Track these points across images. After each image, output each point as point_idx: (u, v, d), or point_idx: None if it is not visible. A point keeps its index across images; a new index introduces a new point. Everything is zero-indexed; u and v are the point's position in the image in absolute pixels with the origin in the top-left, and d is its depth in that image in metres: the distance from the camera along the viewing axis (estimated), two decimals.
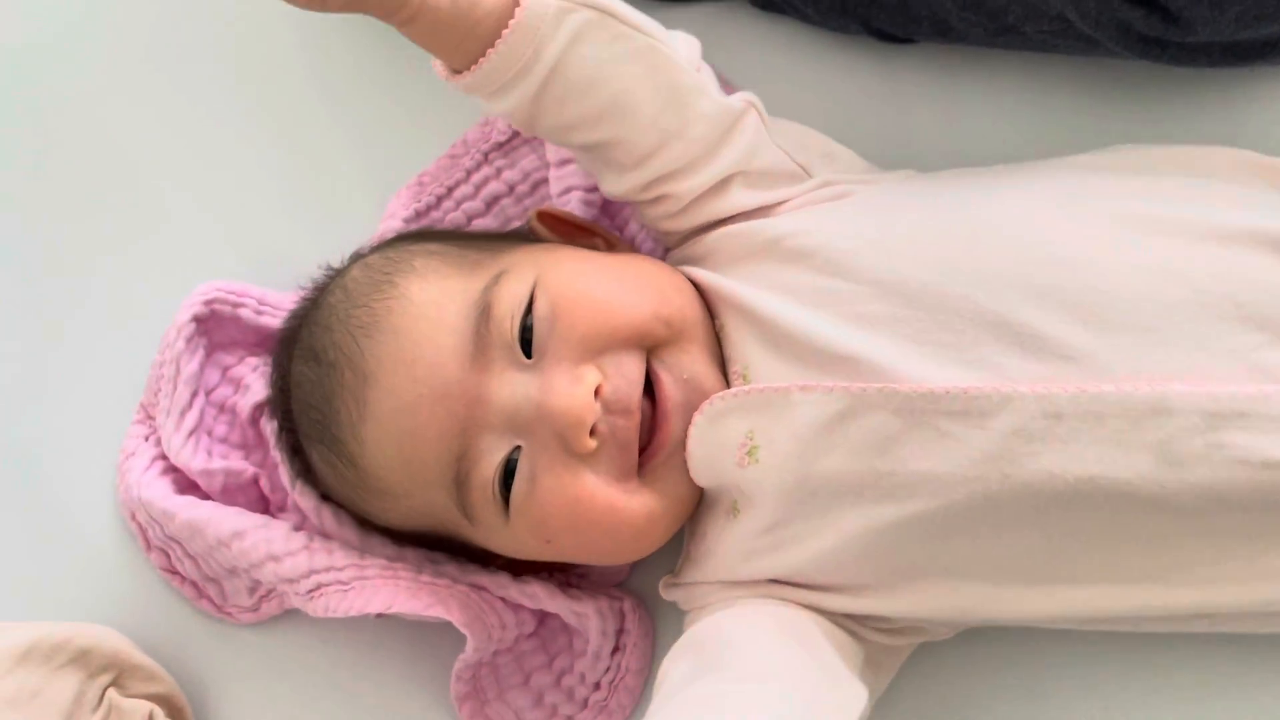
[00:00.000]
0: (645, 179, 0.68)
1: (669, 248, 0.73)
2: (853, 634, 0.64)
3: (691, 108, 0.67)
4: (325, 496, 0.72)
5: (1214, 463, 0.55)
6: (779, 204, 0.68)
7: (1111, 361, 0.56)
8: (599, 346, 0.63)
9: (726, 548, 0.65)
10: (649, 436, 0.64)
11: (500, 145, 0.81)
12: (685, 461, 0.64)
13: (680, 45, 0.68)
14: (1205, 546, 0.57)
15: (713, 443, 0.63)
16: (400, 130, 0.84)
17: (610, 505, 0.63)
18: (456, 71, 0.66)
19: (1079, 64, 0.71)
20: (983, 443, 0.57)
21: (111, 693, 0.73)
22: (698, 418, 0.63)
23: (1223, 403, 0.55)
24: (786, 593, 0.63)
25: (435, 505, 0.66)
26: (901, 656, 0.68)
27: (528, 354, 0.64)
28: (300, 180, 0.85)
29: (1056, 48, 0.69)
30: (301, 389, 0.68)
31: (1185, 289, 0.57)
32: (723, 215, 0.68)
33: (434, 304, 0.65)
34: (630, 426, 0.62)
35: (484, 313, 0.64)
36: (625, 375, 0.63)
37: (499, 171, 0.81)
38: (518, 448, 0.64)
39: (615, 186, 0.70)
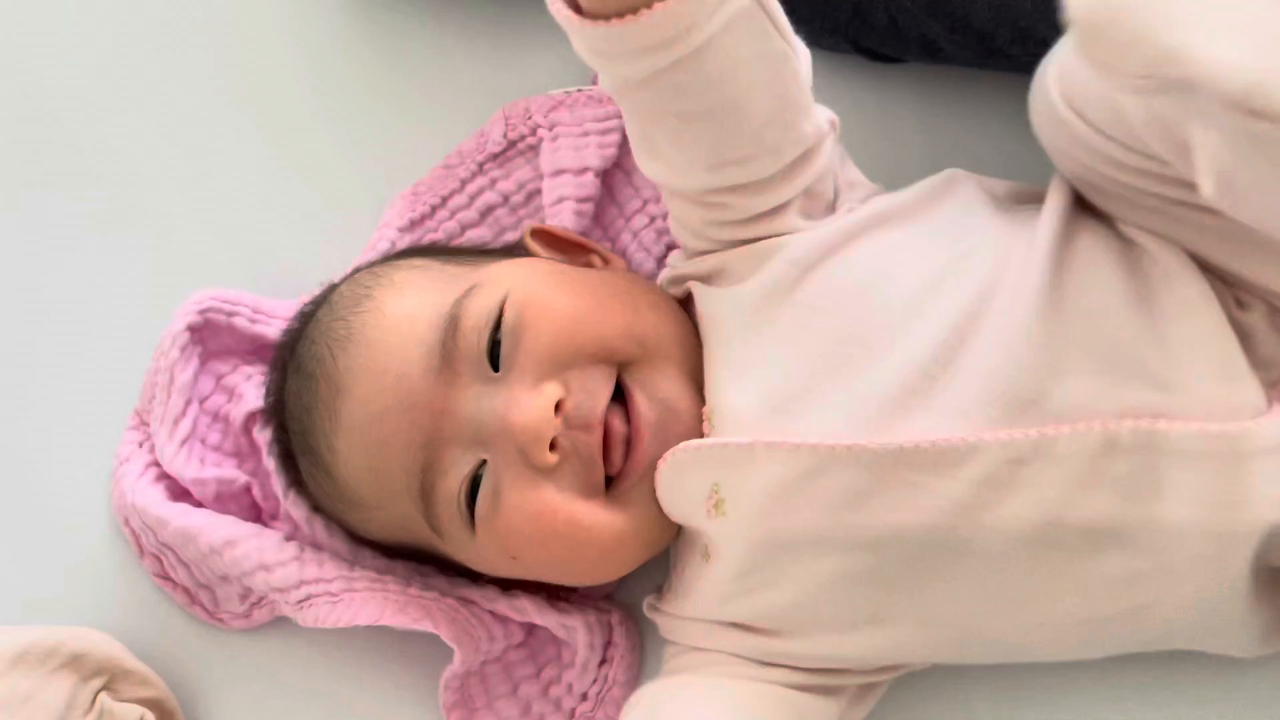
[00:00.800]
0: (718, 184, 0.64)
1: (684, 254, 0.70)
2: (825, 691, 0.65)
3: (795, 128, 0.63)
4: (316, 507, 0.73)
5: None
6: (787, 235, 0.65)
7: (1064, 404, 0.57)
8: (565, 361, 0.63)
9: (701, 590, 0.65)
10: (624, 456, 0.63)
11: (495, 156, 0.81)
12: (648, 486, 0.63)
13: (803, 58, 0.63)
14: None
15: (680, 492, 0.63)
16: (396, 140, 0.85)
17: (572, 520, 0.63)
18: (591, 17, 0.58)
19: None
20: (952, 492, 0.57)
21: (104, 697, 0.73)
22: (662, 466, 0.63)
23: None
24: (763, 653, 0.63)
25: (406, 518, 0.66)
26: (881, 689, 0.68)
27: (495, 368, 0.63)
28: (296, 189, 0.85)
29: None
30: (292, 401, 0.69)
31: None
32: (769, 234, 0.65)
33: (406, 317, 0.66)
34: (592, 442, 0.62)
35: (452, 325, 0.64)
36: (589, 391, 0.62)
37: (493, 182, 0.82)
38: (483, 462, 0.64)
39: (677, 180, 0.65)
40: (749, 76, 0.61)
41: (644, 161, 0.67)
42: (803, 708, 0.63)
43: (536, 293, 0.65)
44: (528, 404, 0.62)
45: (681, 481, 0.63)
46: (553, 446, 0.62)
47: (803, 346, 0.61)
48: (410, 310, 0.65)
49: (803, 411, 0.60)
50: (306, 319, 0.71)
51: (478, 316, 0.64)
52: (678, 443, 0.62)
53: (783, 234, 0.65)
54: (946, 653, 0.64)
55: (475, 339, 0.63)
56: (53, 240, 0.86)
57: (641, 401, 0.63)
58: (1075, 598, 0.58)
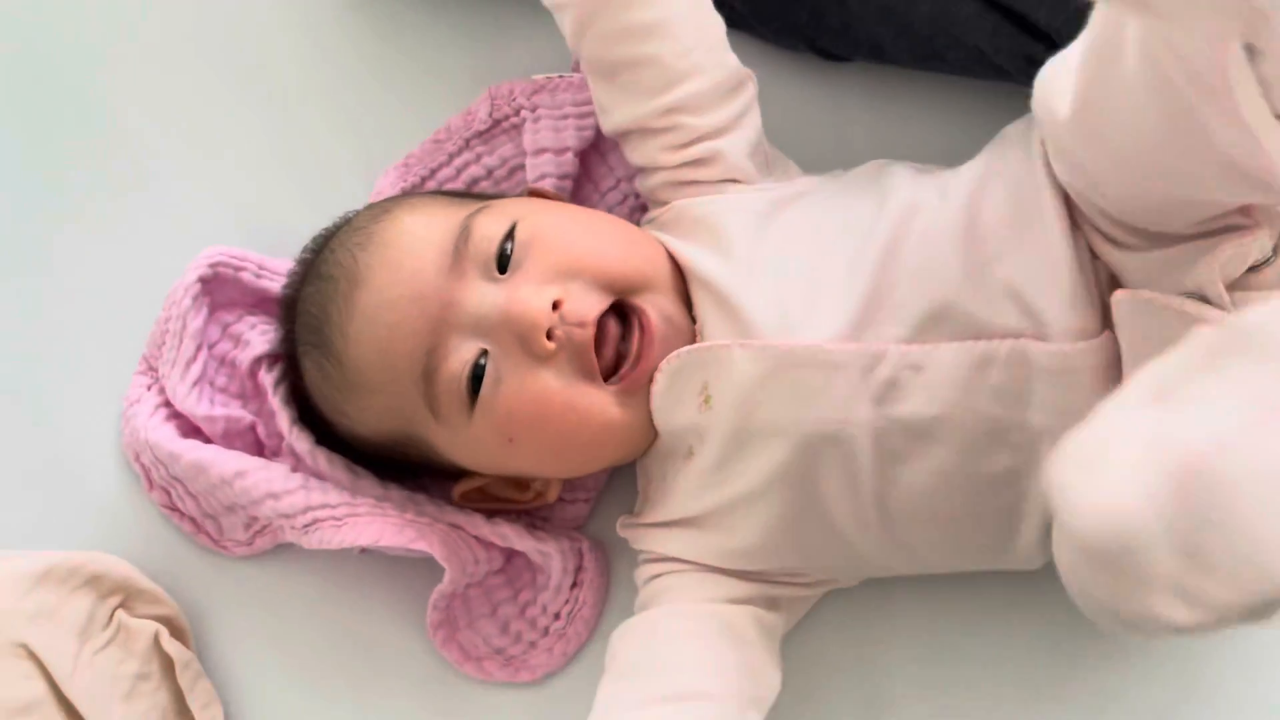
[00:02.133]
0: (665, 105, 0.75)
1: (647, 207, 0.81)
2: (773, 603, 0.74)
3: (719, 54, 0.76)
4: (318, 441, 0.81)
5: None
6: (740, 183, 0.77)
7: (959, 324, 0.67)
8: (567, 274, 0.71)
9: (682, 484, 0.74)
10: (615, 367, 0.71)
11: (481, 133, 0.89)
12: (649, 395, 0.72)
13: (715, 15, 0.78)
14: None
15: (676, 391, 0.72)
16: (389, 116, 0.92)
17: (569, 403, 0.70)
18: None
19: (997, 89, 0.82)
20: (870, 390, 0.67)
21: (120, 613, 0.80)
22: (665, 367, 0.71)
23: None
24: (718, 556, 0.73)
25: (405, 403, 0.73)
26: (812, 602, 0.78)
27: (501, 270, 0.72)
28: (297, 160, 0.92)
29: (975, 74, 0.79)
30: (305, 304, 0.77)
31: None
32: (716, 159, 0.76)
33: (422, 224, 0.74)
34: (584, 336, 0.70)
35: (465, 233, 0.73)
36: (585, 299, 0.70)
37: (479, 157, 0.89)
38: (485, 351, 0.71)
39: (631, 110, 0.76)
40: (673, 3, 0.75)
41: (608, 117, 0.79)
42: (763, 621, 0.73)
43: (553, 218, 0.74)
44: (527, 296, 0.70)
45: (679, 380, 0.71)
46: (550, 338, 0.69)
47: (765, 278, 0.71)
48: (426, 220, 0.74)
49: (767, 324, 0.70)
50: (322, 240, 0.79)
51: (489, 228, 0.72)
52: (674, 343, 0.71)
53: (731, 179, 0.76)
54: (854, 561, 0.74)
55: (486, 245, 0.72)
56: (65, 205, 0.93)
57: (652, 315, 0.71)
58: (962, 494, 0.68)
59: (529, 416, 0.71)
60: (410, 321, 0.71)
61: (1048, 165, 0.68)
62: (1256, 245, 0.61)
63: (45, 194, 0.93)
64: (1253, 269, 0.61)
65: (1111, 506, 0.45)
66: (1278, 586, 0.45)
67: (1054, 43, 0.72)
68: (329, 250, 0.76)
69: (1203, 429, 0.46)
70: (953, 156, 0.77)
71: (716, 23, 0.78)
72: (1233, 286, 0.61)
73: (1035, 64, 0.65)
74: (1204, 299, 0.61)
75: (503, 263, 0.72)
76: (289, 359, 0.80)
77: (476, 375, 0.71)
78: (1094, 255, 0.67)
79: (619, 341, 0.72)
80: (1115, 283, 0.67)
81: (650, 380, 0.72)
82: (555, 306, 0.70)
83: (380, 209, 0.77)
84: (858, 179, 0.77)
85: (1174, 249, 0.63)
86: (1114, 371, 0.66)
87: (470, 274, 0.72)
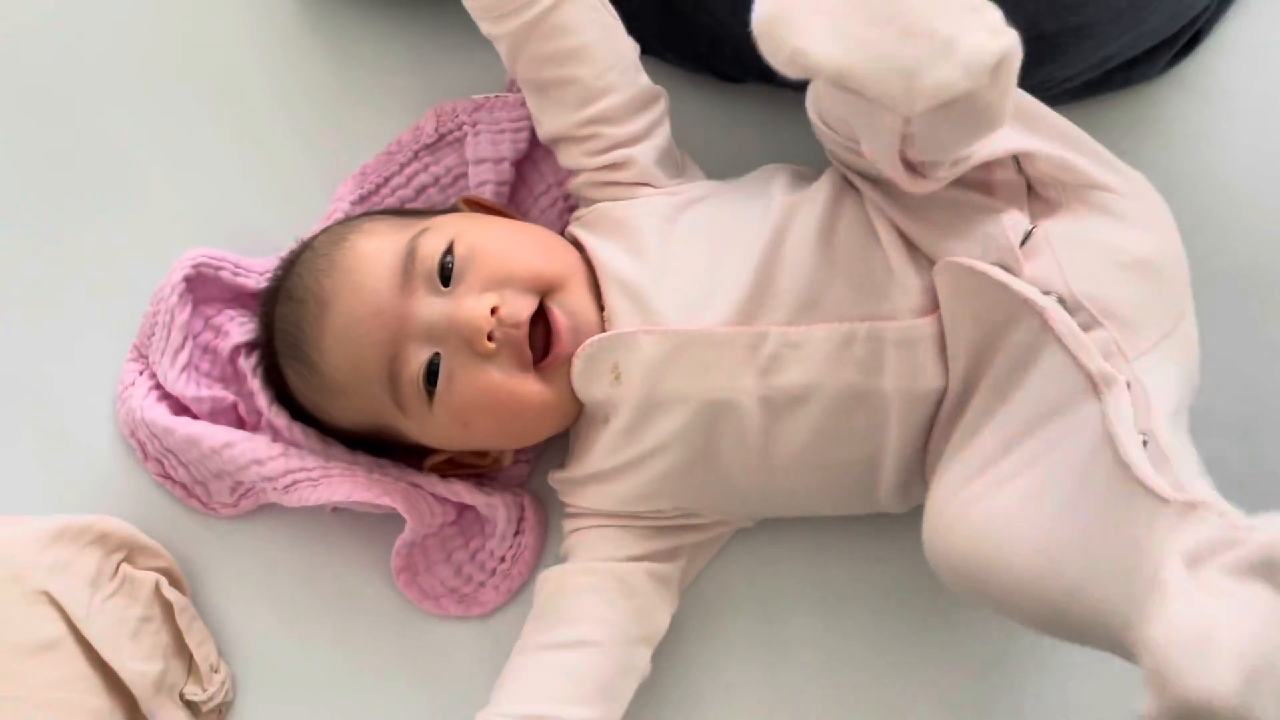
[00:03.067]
0: (586, 117, 0.88)
1: (575, 208, 0.94)
2: (671, 554, 0.88)
3: (632, 75, 0.90)
4: (294, 416, 0.93)
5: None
6: (651, 187, 0.90)
7: (827, 309, 0.81)
8: (500, 283, 0.84)
9: (600, 445, 0.87)
10: (546, 350, 0.84)
11: (428, 146, 1.00)
12: (570, 374, 0.85)
13: (628, 39, 0.91)
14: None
15: (592, 371, 0.85)
16: (348, 131, 1.03)
17: (511, 390, 0.84)
18: None
19: None
20: (756, 364, 0.81)
21: (125, 566, 0.92)
22: (580, 352, 0.84)
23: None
24: (630, 501, 0.87)
25: (376, 401, 0.86)
26: (717, 545, 0.92)
27: (445, 284, 0.84)
28: (267, 170, 1.03)
29: None
30: (280, 322, 0.89)
31: None
32: (630, 163, 0.89)
33: (375, 249, 0.86)
34: (519, 335, 0.82)
35: (411, 253, 0.85)
36: (517, 304, 0.83)
37: (426, 166, 1.00)
38: (437, 354, 0.83)
39: (558, 122, 0.90)
40: (590, 28, 0.88)
41: (541, 127, 0.92)
42: (657, 574, 0.87)
43: (485, 233, 0.86)
44: (471, 305, 0.83)
45: (594, 364, 0.84)
46: (491, 339, 0.82)
47: (670, 273, 0.85)
48: (377, 245, 0.86)
49: (669, 311, 0.83)
50: (288, 265, 0.91)
51: (432, 247, 0.84)
52: (587, 339, 0.84)
53: (643, 183, 0.89)
54: (747, 504, 0.88)
55: (429, 263, 0.84)
56: (57, 213, 1.03)
57: (558, 314, 0.84)
58: (831, 446, 0.82)
59: (479, 405, 0.84)
60: (373, 335, 0.84)
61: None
62: (1016, 222, 0.76)
63: (44, 202, 1.04)
64: (1025, 239, 0.77)
65: (1224, 698, 0.54)
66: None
67: None
68: (296, 274, 0.88)
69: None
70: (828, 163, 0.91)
71: (630, 49, 0.91)
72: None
73: None
74: (1003, 266, 0.77)
75: (445, 276, 0.84)
76: (268, 360, 0.92)
77: (432, 375, 0.84)
78: (914, 247, 0.82)
79: (546, 333, 0.85)
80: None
81: (569, 364, 0.85)
82: (493, 311, 0.82)
83: (338, 235, 0.89)
84: (749, 184, 0.90)
85: (958, 221, 0.78)
86: (932, 344, 0.80)
87: (419, 289, 0.84)
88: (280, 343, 0.89)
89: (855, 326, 0.81)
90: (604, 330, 0.85)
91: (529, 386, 0.84)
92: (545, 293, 0.85)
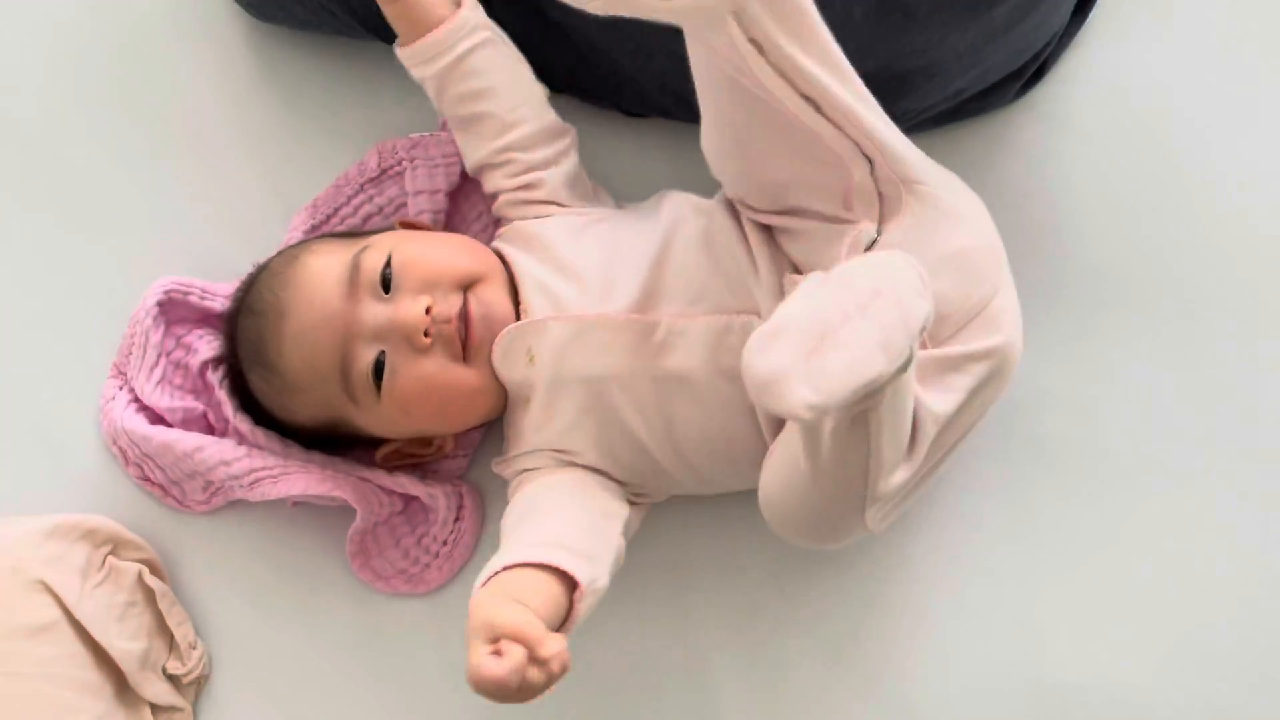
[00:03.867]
0: (501, 146, 1.03)
1: (499, 224, 1.07)
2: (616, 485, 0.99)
3: (540, 110, 1.04)
4: (257, 421, 1.05)
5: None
6: (561, 206, 1.04)
7: (709, 303, 0.95)
8: (431, 285, 0.96)
9: (524, 427, 0.99)
10: (467, 338, 0.96)
11: (372, 179, 1.12)
12: (487, 351, 0.96)
13: (532, 80, 1.05)
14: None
15: (511, 355, 0.97)
16: (301, 167, 1.14)
17: (446, 379, 0.96)
18: (404, 45, 1.02)
19: None
20: (646, 347, 0.94)
21: (111, 558, 1.04)
22: (498, 340, 0.97)
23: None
24: (564, 462, 0.98)
25: (331, 395, 0.98)
26: (643, 512, 1.03)
27: (386, 291, 0.96)
28: (229, 202, 1.14)
29: None
30: (243, 334, 1.01)
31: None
32: (545, 198, 1.03)
33: (324, 265, 0.98)
34: (450, 329, 0.95)
35: (355, 267, 0.97)
36: (448, 302, 0.96)
37: (371, 198, 1.12)
38: (382, 352, 0.96)
39: (479, 151, 1.04)
40: (499, 71, 1.03)
41: (467, 159, 1.06)
42: (608, 483, 0.98)
43: (415, 246, 0.99)
44: (408, 307, 0.95)
45: (511, 348, 0.97)
46: (426, 335, 0.95)
47: (577, 270, 0.98)
48: (326, 261, 0.98)
49: (576, 303, 0.96)
50: (249, 284, 1.03)
51: (373, 260, 0.97)
52: (502, 328, 0.97)
53: (554, 202, 1.03)
54: (649, 474, 0.99)
55: (372, 274, 0.96)
56: (43, 247, 1.15)
57: (473, 305, 0.96)
58: (718, 421, 0.95)
59: (419, 393, 0.97)
60: (326, 338, 0.96)
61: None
62: (865, 232, 0.90)
63: (30, 238, 1.15)
64: (869, 248, 0.90)
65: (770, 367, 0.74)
66: (861, 381, 0.74)
67: None
68: (256, 291, 1.01)
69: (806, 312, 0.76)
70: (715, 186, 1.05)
71: (538, 88, 1.05)
72: None
73: None
74: None
75: (385, 284, 0.97)
76: (233, 372, 1.04)
77: (378, 371, 0.96)
78: (779, 248, 0.96)
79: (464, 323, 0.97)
80: (797, 269, 0.95)
81: (490, 351, 0.97)
82: (427, 311, 0.95)
83: (291, 255, 1.01)
84: (647, 205, 1.04)
85: (819, 238, 0.92)
86: None
87: (364, 297, 0.96)
88: (244, 352, 1.01)
89: (731, 319, 0.94)
90: (520, 318, 0.98)
91: (461, 374, 0.97)
92: (468, 287, 0.97)
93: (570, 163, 1.06)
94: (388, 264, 0.97)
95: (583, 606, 0.87)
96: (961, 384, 0.90)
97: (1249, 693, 1.02)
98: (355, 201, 1.13)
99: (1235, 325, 1.08)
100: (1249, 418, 1.06)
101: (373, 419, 1.00)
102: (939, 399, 0.88)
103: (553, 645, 0.76)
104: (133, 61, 1.18)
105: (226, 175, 1.16)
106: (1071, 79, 1.12)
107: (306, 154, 1.15)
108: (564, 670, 0.76)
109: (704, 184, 1.03)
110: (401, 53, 1.04)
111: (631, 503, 1.01)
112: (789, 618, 1.06)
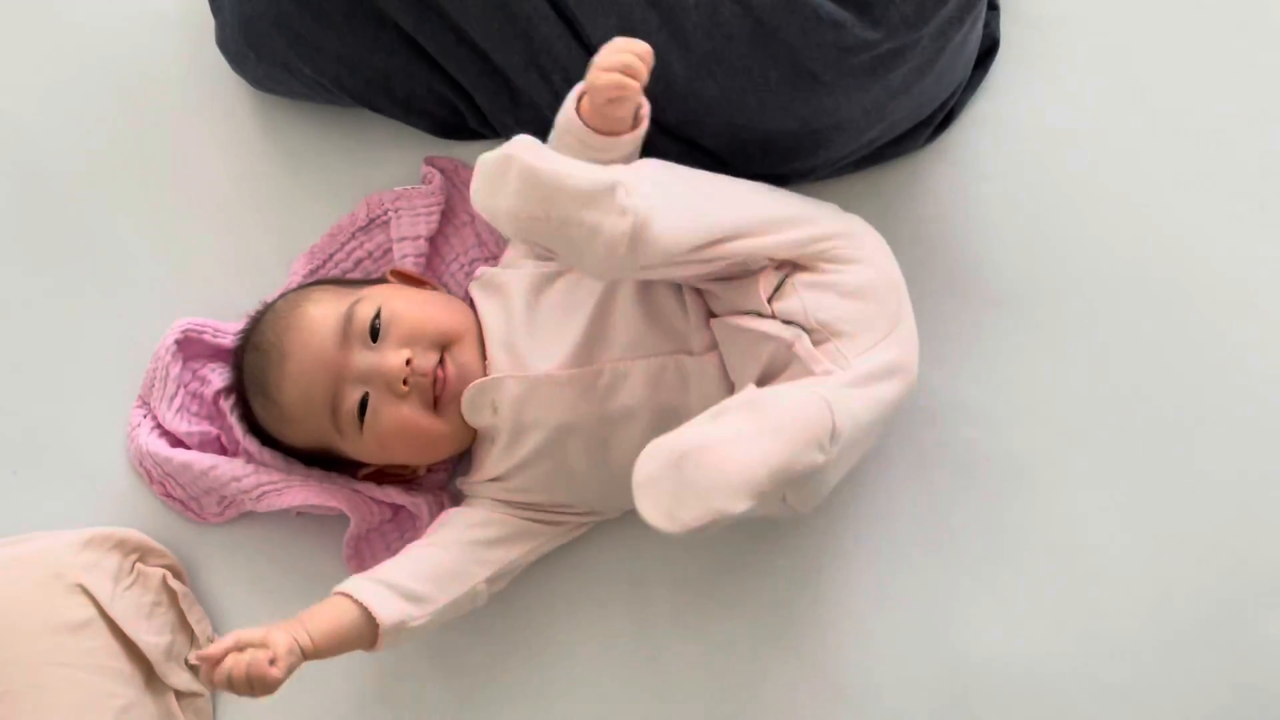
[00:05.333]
0: None
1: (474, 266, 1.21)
2: (547, 521, 1.13)
3: None
4: (263, 442, 1.20)
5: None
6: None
7: (646, 348, 1.08)
8: (413, 340, 1.10)
9: (486, 462, 1.13)
10: (440, 393, 1.10)
11: (362, 228, 1.26)
12: (457, 405, 1.11)
13: None
14: None
15: (475, 406, 1.11)
16: (299, 218, 1.27)
17: (418, 423, 1.10)
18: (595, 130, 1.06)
19: None
20: (594, 393, 1.08)
21: (139, 564, 1.18)
22: (466, 393, 1.10)
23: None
24: (510, 495, 1.12)
25: (321, 426, 1.12)
26: (582, 529, 1.16)
27: (374, 340, 1.10)
28: (235, 252, 1.28)
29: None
30: (249, 368, 1.15)
31: None
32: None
33: (321, 316, 1.12)
34: (426, 382, 1.08)
35: (348, 318, 1.11)
36: (425, 357, 1.09)
37: (361, 244, 1.26)
38: (366, 393, 1.10)
39: None
40: None
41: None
42: (522, 528, 1.12)
43: (401, 302, 1.12)
44: (392, 358, 1.09)
45: (476, 402, 1.11)
46: (406, 383, 1.08)
47: (532, 325, 1.11)
48: (324, 311, 1.12)
49: (530, 359, 1.10)
50: (255, 322, 1.17)
51: (364, 313, 1.10)
52: (472, 382, 1.10)
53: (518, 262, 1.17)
54: (606, 497, 1.13)
55: (361, 325, 1.10)
56: (75, 295, 1.29)
57: (449, 364, 1.10)
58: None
59: (394, 432, 1.11)
60: (319, 379, 1.10)
61: None
62: (774, 279, 1.03)
63: (65, 287, 1.29)
64: (777, 289, 1.03)
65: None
66: (719, 509, 0.88)
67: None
68: (261, 331, 1.14)
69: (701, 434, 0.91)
70: None
71: None
72: (772, 299, 1.04)
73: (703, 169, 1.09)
74: (759, 314, 1.03)
75: (374, 334, 1.10)
76: (241, 399, 1.18)
77: (362, 409, 1.10)
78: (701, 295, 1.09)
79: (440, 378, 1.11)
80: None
81: (459, 402, 1.11)
82: (408, 362, 1.09)
83: (294, 301, 1.14)
84: None
85: (733, 290, 1.05)
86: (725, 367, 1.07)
87: (354, 345, 1.10)
88: (249, 382, 1.16)
89: (666, 360, 1.08)
90: (486, 375, 1.12)
91: (432, 422, 1.11)
92: (446, 346, 1.11)
93: None
94: (377, 315, 1.11)
95: (388, 639, 1.05)
96: (876, 394, 1.03)
97: (1133, 665, 1.15)
98: (348, 248, 1.27)
99: (1125, 340, 1.21)
100: (1137, 423, 1.19)
101: (356, 449, 1.14)
102: (860, 408, 1.01)
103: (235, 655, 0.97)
104: (150, 129, 1.32)
105: (234, 227, 1.29)
106: (976, 124, 1.26)
107: (304, 207, 1.28)
108: (252, 682, 0.97)
109: None
110: (591, 136, 1.06)
111: (582, 523, 1.15)
112: (733, 610, 1.19)
